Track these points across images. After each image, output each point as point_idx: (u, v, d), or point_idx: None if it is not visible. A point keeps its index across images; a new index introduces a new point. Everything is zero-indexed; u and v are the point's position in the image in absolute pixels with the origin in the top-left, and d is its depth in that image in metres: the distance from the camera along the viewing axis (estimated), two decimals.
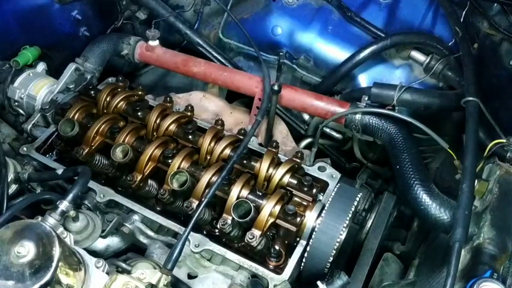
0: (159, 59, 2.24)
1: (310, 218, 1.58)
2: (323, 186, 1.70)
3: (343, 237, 1.55)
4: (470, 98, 1.69)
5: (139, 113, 1.87)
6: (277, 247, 1.59)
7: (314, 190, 1.66)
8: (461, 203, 1.40)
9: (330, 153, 2.46)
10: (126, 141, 1.76)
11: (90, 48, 2.24)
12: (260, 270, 1.54)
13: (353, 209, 1.58)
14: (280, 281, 1.50)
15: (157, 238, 1.64)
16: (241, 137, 1.79)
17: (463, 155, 1.55)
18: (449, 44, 2.19)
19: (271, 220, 1.56)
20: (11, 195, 1.56)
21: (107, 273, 1.29)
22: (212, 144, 1.76)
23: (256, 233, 1.53)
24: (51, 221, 1.35)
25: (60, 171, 1.65)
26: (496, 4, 2.06)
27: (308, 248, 1.54)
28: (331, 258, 1.53)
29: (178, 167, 1.67)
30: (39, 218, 1.36)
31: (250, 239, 1.52)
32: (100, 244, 1.65)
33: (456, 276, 1.21)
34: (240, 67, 2.39)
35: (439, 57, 2.16)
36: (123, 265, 1.37)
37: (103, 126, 1.80)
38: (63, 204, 1.39)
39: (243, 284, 1.54)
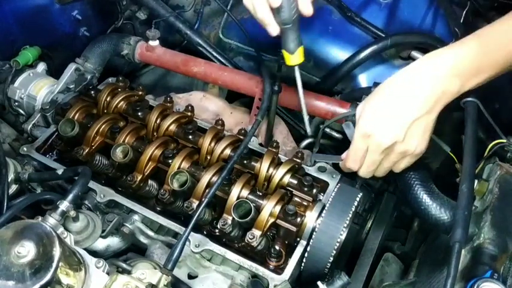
0: (159, 59, 2.24)
1: (310, 218, 1.58)
2: (323, 186, 1.70)
3: (343, 237, 1.55)
4: (470, 99, 1.69)
5: (139, 113, 1.87)
6: (277, 247, 1.59)
7: (314, 190, 1.66)
8: (461, 203, 1.39)
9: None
10: (126, 141, 1.76)
11: (90, 48, 2.24)
12: (260, 270, 1.54)
13: (353, 209, 1.58)
14: (281, 281, 1.50)
15: (158, 238, 1.64)
16: (242, 137, 1.79)
17: (462, 155, 1.55)
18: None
19: (272, 220, 1.56)
20: (11, 195, 1.56)
21: (107, 273, 1.29)
22: (212, 144, 1.76)
23: (257, 233, 1.53)
24: (51, 221, 1.35)
25: (60, 171, 1.65)
26: (496, 4, 2.06)
27: (308, 248, 1.54)
28: (332, 259, 1.52)
29: (179, 167, 1.67)
30: (39, 218, 1.36)
31: (251, 239, 1.52)
32: (100, 244, 1.65)
33: (456, 277, 1.21)
34: (240, 67, 2.38)
35: None
36: (124, 265, 1.37)
37: (103, 126, 1.80)
38: (64, 204, 1.39)
39: (243, 284, 1.54)
